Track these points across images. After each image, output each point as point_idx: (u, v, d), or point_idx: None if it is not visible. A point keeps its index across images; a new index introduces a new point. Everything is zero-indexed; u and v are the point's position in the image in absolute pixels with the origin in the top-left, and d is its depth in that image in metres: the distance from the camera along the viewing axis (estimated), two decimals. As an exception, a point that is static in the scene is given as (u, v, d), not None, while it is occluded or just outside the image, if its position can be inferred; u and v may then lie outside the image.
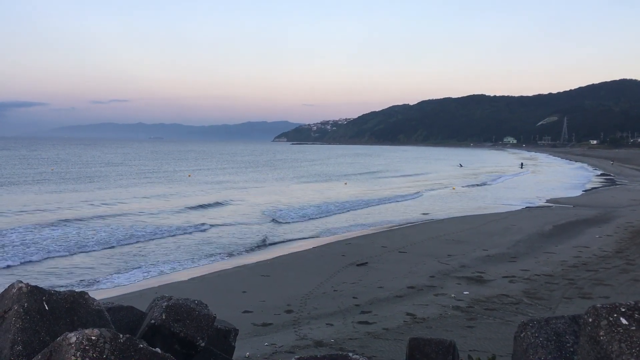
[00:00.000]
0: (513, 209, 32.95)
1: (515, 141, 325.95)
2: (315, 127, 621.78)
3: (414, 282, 14.94)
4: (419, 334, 9.82)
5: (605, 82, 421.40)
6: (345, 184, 57.42)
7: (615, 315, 2.91)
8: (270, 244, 23.04)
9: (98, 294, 13.34)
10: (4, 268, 17.92)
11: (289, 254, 20.46)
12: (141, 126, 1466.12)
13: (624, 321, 2.87)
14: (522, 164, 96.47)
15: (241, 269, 17.75)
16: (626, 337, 2.83)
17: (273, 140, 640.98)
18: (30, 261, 19.02)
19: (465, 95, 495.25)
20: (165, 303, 4.31)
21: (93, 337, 3.07)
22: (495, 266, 16.76)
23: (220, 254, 20.92)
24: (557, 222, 25.90)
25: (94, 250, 21.14)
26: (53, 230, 24.91)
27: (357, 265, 17.31)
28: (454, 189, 50.32)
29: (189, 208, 33.91)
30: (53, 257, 19.72)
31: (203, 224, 27.50)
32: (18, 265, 18.47)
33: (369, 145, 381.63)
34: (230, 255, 20.79)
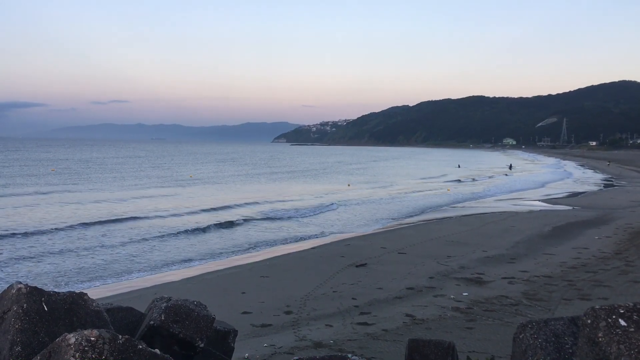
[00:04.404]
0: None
1: (514, 142, 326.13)
2: (314, 128, 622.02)
3: (413, 283, 14.94)
4: (418, 335, 9.82)
5: (605, 84, 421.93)
6: (349, 185, 57.55)
7: (613, 316, 2.91)
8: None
9: (97, 295, 13.35)
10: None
11: (288, 254, 20.47)
12: (141, 127, 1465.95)
13: (622, 323, 2.88)
14: (510, 166, 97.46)
15: (240, 269, 17.75)
16: (625, 339, 2.83)
17: (272, 141, 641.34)
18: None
19: (464, 96, 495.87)
20: (164, 304, 4.31)
21: (92, 338, 3.07)
22: (494, 267, 16.76)
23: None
24: (556, 224, 25.91)
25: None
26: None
27: (357, 266, 17.31)
28: (448, 190, 50.56)
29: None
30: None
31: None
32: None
33: (369, 147, 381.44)
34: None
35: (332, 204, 38.31)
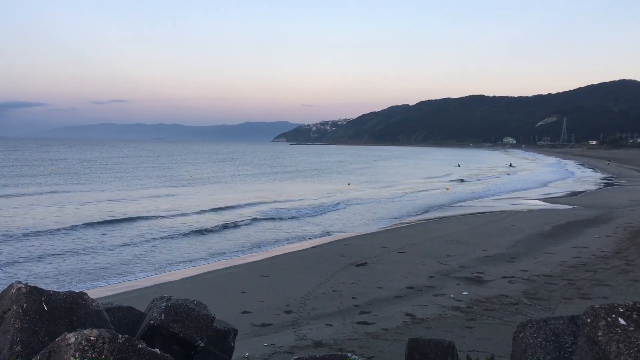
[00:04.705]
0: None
1: (514, 142, 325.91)
2: (314, 128, 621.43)
3: (413, 282, 14.95)
4: (418, 334, 9.82)
5: (605, 83, 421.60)
6: (349, 184, 57.65)
7: (613, 315, 2.91)
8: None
9: (97, 294, 13.35)
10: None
11: (287, 253, 20.47)
12: (141, 126, 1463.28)
13: (622, 322, 2.87)
14: (510, 164, 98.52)
15: (240, 269, 17.75)
16: (624, 338, 2.83)
17: (272, 141, 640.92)
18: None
19: (464, 95, 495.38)
20: (165, 303, 4.31)
21: (92, 338, 3.07)
22: (494, 267, 16.77)
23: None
24: (557, 223, 25.90)
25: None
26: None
27: (357, 265, 17.32)
28: (447, 189, 50.66)
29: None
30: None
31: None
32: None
33: (369, 146, 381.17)
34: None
35: (339, 203, 38.65)
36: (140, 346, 3.21)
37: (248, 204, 37.11)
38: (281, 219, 30.71)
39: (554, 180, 62.55)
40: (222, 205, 36.17)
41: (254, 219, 30.11)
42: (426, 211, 34.75)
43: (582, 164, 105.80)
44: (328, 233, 25.97)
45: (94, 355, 3.02)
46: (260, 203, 37.99)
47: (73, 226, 26.16)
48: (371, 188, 53.19)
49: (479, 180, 64.86)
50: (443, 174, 76.39)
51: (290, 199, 41.54)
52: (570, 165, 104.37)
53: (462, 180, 63.10)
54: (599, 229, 24.01)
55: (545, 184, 55.91)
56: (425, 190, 49.74)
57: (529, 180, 62.75)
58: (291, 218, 31.10)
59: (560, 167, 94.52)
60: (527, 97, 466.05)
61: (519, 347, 3.74)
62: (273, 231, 26.59)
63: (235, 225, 27.93)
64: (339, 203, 38.51)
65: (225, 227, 27.34)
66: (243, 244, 23.19)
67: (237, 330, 5.34)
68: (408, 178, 69.82)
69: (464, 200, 40.58)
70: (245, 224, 28.43)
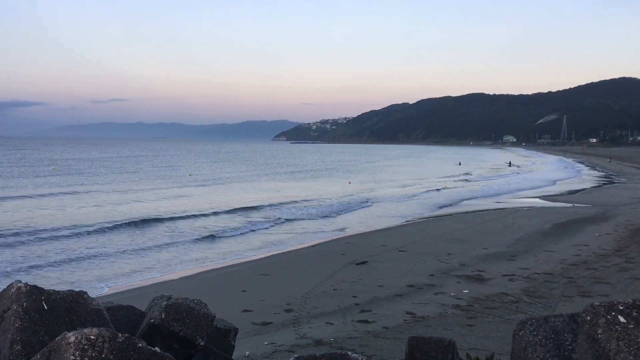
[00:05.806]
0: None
1: (514, 140, 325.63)
2: (314, 126, 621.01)
3: (413, 280, 14.95)
4: (419, 332, 9.83)
5: (605, 81, 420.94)
6: (349, 182, 57.78)
7: (613, 313, 2.91)
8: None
9: (98, 293, 13.37)
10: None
11: (288, 252, 20.48)
12: (141, 125, 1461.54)
13: (621, 319, 2.87)
14: (510, 163, 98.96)
15: (241, 267, 17.76)
16: (624, 335, 2.83)
17: (272, 140, 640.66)
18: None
19: (464, 93, 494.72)
20: (165, 302, 4.31)
21: (92, 337, 3.07)
22: (494, 265, 16.77)
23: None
24: (557, 221, 25.90)
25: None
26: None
27: (357, 264, 17.32)
28: (446, 186, 50.85)
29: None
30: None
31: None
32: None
33: (369, 144, 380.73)
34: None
35: (367, 201, 39.44)
36: (141, 345, 3.21)
37: (266, 206, 35.87)
38: (298, 219, 30.29)
39: (564, 179, 62.19)
40: (232, 206, 35.01)
41: (272, 219, 29.63)
42: (444, 206, 35.95)
43: (581, 162, 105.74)
44: (343, 230, 26.31)
45: (94, 354, 3.02)
46: (274, 204, 36.83)
47: (73, 226, 26.16)
48: (388, 188, 52.78)
49: (485, 178, 64.93)
50: (458, 173, 76.04)
51: (307, 198, 40.90)
52: (574, 163, 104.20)
53: (467, 180, 63.15)
54: (600, 226, 24.01)
55: (555, 183, 55.79)
56: (448, 188, 49.97)
57: (537, 178, 62.61)
58: (311, 218, 30.66)
59: (567, 166, 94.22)
60: (527, 95, 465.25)
61: (519, 345, 3.74)
62: (286, 231, 26.32)
63: (247, 226, 27.42)
64: (367, 201, 39.32)
65: (231, 227, 27.06)
66: (250, 243, 23.04)
67: (237, 328, 5.34)
68: (422, 176, 69.47)
69: (474, 199, 40.70)
70: (258, 224, 27.89)
